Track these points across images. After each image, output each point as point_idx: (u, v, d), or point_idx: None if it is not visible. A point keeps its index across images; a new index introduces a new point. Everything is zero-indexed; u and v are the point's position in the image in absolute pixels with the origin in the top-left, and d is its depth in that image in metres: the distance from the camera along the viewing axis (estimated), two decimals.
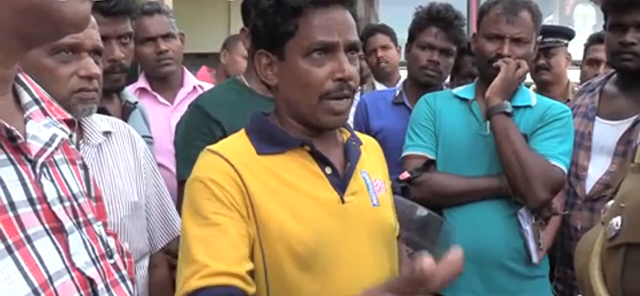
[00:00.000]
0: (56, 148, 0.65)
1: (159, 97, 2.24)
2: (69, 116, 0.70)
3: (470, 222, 1.73)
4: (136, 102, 1.90)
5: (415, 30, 2.14)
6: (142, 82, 2.26)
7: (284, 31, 1.10)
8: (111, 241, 0.73)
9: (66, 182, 0.68)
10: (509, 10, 1.76)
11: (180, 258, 1.05)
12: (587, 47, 2.87)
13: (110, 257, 0.70)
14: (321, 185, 1.13)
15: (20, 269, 0.55)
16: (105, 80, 1.64)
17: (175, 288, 1.37)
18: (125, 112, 1.84)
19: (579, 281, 0.86)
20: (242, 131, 1.19)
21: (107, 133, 1.38)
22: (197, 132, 1.72)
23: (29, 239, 0.57)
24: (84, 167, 0.75)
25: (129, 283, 0.73)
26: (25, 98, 0.65)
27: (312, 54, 1.09)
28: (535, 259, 1.74)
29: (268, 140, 1.14)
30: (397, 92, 2.21)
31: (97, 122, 1.37)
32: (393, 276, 1.20)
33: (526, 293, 1.77)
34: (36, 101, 0.66)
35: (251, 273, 1.04)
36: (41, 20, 0.57)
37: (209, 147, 1.16)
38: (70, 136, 0.71)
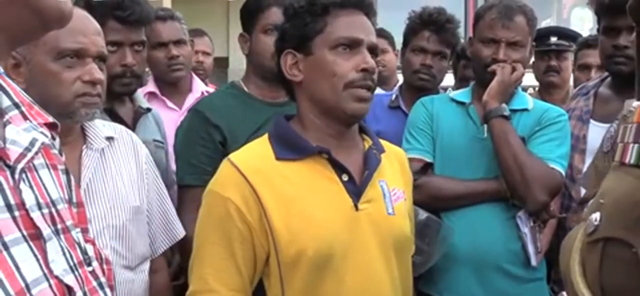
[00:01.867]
0: (36, 153, 0.64)
1: (167, 101, 2.27)
2: (51, 119, 0.70)
3: (468, 225, 1.75)
4: (149, 108, 1.91)
5: (408, 34, 2.16)
6: (151, 87, 2.28)
7: (313, 28, 1.21)
8: (90, 249, 0.72)
9: (45, 188, 0.66)
10: (505, 14, 1.77)
11: (193, 257, 1.20)
12: (576, 53, 2.88)
13: (89, 265, 0.69)
14: (336, 191, 1.19)
15: None
16: (116, 84, 1.67)
17: (176, 293, 1.44)
18: (136, 117, 1.86)
19: (563, 277, 0.87)
20: (266, 136, 1.26)
21: (110, 139, 1.39)
22: (196, 137, 1.73)
23: (5, 246, 0.56)
24: (66, 172, 0.74)
25: (107, 290, 0.72)
26: (5, 102, 0.64)
27: (338, 47, 1.20)
28: (533, 262, 1.75)
29: (287, 147, 1.20)
30: (394, 96, 2.22)
31: (101, 128, 1.39)
32: (404, 284, 1.25)
33: None
34: (16, 105, 0.65)
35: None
36: (23, 13, 0.58)
37: (229, 156, 1.24)
38: (54, 139, 0.71)
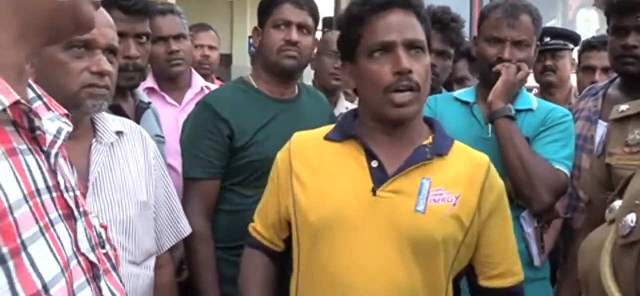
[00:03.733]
0: (64, 141, 0.69)
1: (167, 97, 2.26)
2: (65, 111, 0.73)
3: None
4: (149, 103, 1.92)
5: None
6: (150, 82, 2.28)
7: (353, 39, 1.28)
8: (103, 233, 0.76)
9: (66, 174, 0.71)
10: (510, 14, 1.77)
11: None
12: (580, 54, 2.88)
13: (103, 247, 0.74)
14: (359, 175, 1.25)
15: (51, 250, 0.59)
16: (120, 78, 1.65)
17: (179, 289, 1.58)
18: (139, 112, 1.86)
19: (583, 281, 0.85)
20: None
21: (119, 134, 1.39)
22: (204, 131, 1.74)
23: (52, 224, 0.61)
24: (71, 163, 0.78)
25: (117, 273, 0.76)
26: (30, 94, 0.69)
27: (373, 54, 1.24)
28: (537, 262, 1.75)
29: (337, 130, 1.33)
30: None
31: (110, 122, 1.39)
32: (428, 287, 1.22)
33: None
34: (39, 97, 0.70)
35: (281, 236, 1.39)
36: (65, 19, 0.65)
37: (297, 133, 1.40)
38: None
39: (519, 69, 1.77)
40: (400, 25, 1.23)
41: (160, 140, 1.86)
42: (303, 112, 1.83)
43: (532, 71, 2.60)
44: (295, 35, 1.77)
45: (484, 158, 1.35)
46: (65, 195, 0.66)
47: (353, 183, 1.24)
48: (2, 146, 0.58)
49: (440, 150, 1.28)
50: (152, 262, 1.44)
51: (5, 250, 0.54)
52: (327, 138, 1.32)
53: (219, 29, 3.38)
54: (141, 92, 1.95)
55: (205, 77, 2.71)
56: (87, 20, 0.67)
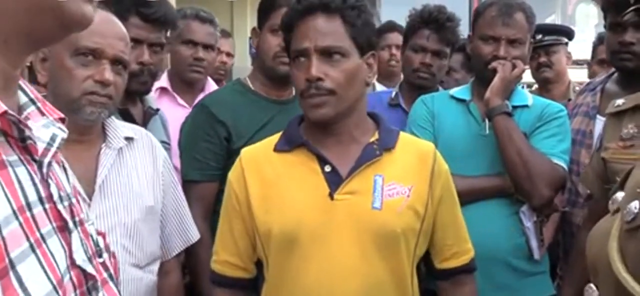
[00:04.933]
0: (58, 148, 0.65)
1: (178, 98, 2.28)
2: (61, 114, 0.71)
3: (472, 221, 1.73)
4: (157, 109, 1.93)
5: (408, 33, 2.17)
6: (164, 82, 2.29)
7: (287, 42, 1.32)
8: (100, 241, 0.74)
9: (61, 182, 0.69)
10: (504, 12, 1.78)
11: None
12: (595, 47, 2.89)
13: (100, 256, 0.72)
14: (314, 181, 1.26)
15: (42, 267, 0.56)
16: (131, 82, 1.66)
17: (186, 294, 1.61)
18: (146, 118, 1.88)
19: (591, 268, 0.89)
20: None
21: (129, 139, 1.42)
22: (201, 132, 1.75)
23: (43, 238, 0.58)
24: (64, 169, 0.75)
25: (115, 282, 0.74)
26: (22, 98, 0.66)
27: (295, 59, 1.29)
28: (537, 256, 1.76)
29: (285, 139, 1.33)
30: (393, 94, 2.23)
31: (121, 128, 1.42)
32: (396, 279, 1.26)
33: (528, 289, 1.79)
34: (32, 101, 0.67)
35: (253, 259, 1.36)
36: (48, 18, 0.59)
37: (245, 147, 1.40)
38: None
39: (514, 66, 1.78)
40: (316, 32, 1.25)
41: (165, 146, 1.88)
42: (300, 112, 1.84)
43: (528, 68, 2.62)
44: None
45: (429, 145, 1.41)
46: (59, 206, 0.63)
47: (310, 191, 1.26)
48: None
49: (388, 144, 1.31)
50: (155, 267, 1.45)
51: None
52: (277, 149, 1.33)
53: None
54: (150, 97, 1.96)
55: (218, 82, 2.75)
56: (77, 19, 0.61)
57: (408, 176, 1.29)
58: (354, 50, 1.26)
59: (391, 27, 3.04)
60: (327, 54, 1.24)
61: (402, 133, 1.38)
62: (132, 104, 1.82)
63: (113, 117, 1.42)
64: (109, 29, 1.30)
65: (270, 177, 1.30)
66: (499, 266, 1.76)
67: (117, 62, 1.31)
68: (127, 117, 1.74)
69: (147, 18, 1.74)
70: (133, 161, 1.41)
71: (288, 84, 1.87)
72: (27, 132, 0.59)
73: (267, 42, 1.79)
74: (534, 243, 1.76)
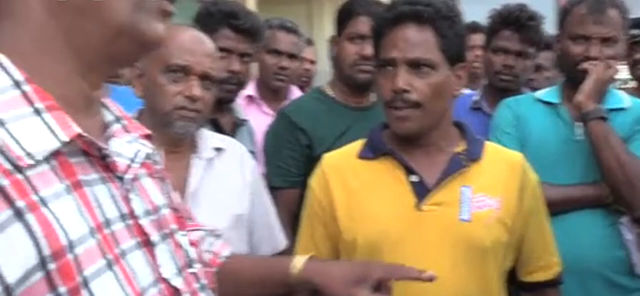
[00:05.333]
0: (140, 164, 0.68)
1: (264, 106, 2.35)
2: (148, 131, 0.74)
3: (568, 233, 1.64)
4: (245, 120, 1.99)
5: (490, 34, 2.10)
6: (251, 90, 2.37)
7: (376, 50, 1.29)
8: (192, 252, 0.76)
9: (150, 195, 0.71)
10: (596, 9, 1.67)
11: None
12: None
13: (191, 267, 0.73)
14: (400, 191, 1.24)
15: (119, 283, 0.58)
16: (219, 90, 1.75)
17: None
18: (235, 128, 1.93)
19: None
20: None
21: (219, 150, 1.47)
22: (283, 140, 1.79)
23: (123, 254, 0.61)
24: (162, 180, 0.78)
25: (209, 292, 0.75)
26: (108, 117, 0.69)
27: (381, 68, 1.26)
28: (639, 271, 1.65)
29: (369, 147, 1.31)
30: (477, 97, 2.17)
31: (211, 139, 1.47)
32: (483, 293, 1.23)
33: None
34: (118, 119, 0.70)
35: None
36: (126, 41, 0.62)
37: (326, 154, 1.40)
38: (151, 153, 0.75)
39: (607, 67, 1.67)
40: (405, 42, 1.21)
41: (253, 156, 1.93)
42: (381, 119, 1.83)
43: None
44: (369, 50, 1.75)
45: (518, 156, 1.36)
46: (142, 221, 0.65)
47: (396, 201, 1.24)
48: (67, 180, 0.57)
49: (475, 155, 1.28)
50: None
51: (63, 289, 0.53)
52: (361, 157, 1.31)
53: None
54: (239, 108, 2.01)
55: (302, 89, 2.80)
56: (152, 39, 0.64)
57: (497, 188, 1.26)
58: (444, 62, 1.23)
59: (474, 28, 2.95)
60: (415, 65, 1.21)
61: (488, 143, 1.35)
62: (222, 114, 1.88)
63: (203, 129, 1.47)
64: (197, 47, 1.36)
65: (355, 185, 1.29)
66: (596, 281, 1.66)
67: (206, 78, 1.36)
68: (217, 127, 1.80)
69: (237, 29, 1.80)
70: (222, 171, 1.45)
71: (367, 91, 1.87)
72: (107, 151, 0.62)
73: (345, 50, 1.80)
74: (636, 257, 1.65)
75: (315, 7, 7.37)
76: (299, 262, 1.02)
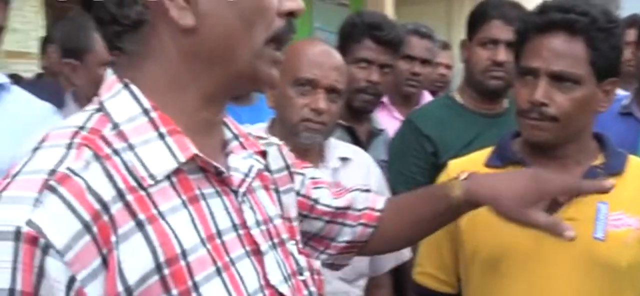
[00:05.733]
0: (253, 178, 0.75)
1: (394, 111, 2.37)
2: (262, 148, 0.81)
3: None
4: (381, 130, 2.02)
5: None
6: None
7: (517, 54, 1.22)
8: (302, 260, 0.81)
9: (264, 206, 0.78)
10: None
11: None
12: None
13: (301, 274, 0.78)
14: None
15: (226, 288, 0.65)
16: (357, 99, 1.83)
17: None
18: (370, 137, 1.96)
19: None
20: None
21: (345, 159, 1.53)
22: (408, 147, 1.79)
23: (232, 262, 0.67)
24: (276, 191, 0.85)
25: None
26: (227, 134, 0.77)
27: (521, 75, 1.19)
28: None
29: (497, 154, 1.27)
30: (626, 101, 1.97)
31: (337, 149, 1.53)
32: None
33: None
34: (235, 136, 0.78)
35: (457, 274, 1.31)
36: (245, 81, 0.72)
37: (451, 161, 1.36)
38: (266, 167, 0.83)
39: None
40: (551, 52, 1.13)
41: (386, 165, 1.94)
42: (512, 127, 1.76)
43: None
44: (502, 55, 1.71)
45: None
46: (253, 231, 0.72)
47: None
48: (185, 195, 0.66)
49: (614, 169, 1.17)
50: (362, 282, 1.52)
51: (175, 291, 0.60)
52: (487, 164, 1.26)
53: (436, 32, 3.39)
54: (376, 118, 2.04)
55: (434, 93, 2.77)
56: (267, 81, 0.73)
57: (638, 205, 1.16)
58: (591, 77, 1.14)
59: (632, 21, 2.68)
60: (558, 78, 1.13)
61: (632, 157, 1.23)
62: (358, 123, 1.92)
63: (332, 138, 1.53)
64: (325, 61, 1.42)
65: None
66: None
67: (332, 91, 1.41)
68: (352, 135, 1.86)
69: (379, 40, 1.84)
70: (347, 180, 1.49)
71: (499, 98, 1.80)
72: (221, 168, 0.70)
73: (476, 55, 1.76)
74: None
75: (455, 6, 7.19)
76: (457, 184, 0.98)
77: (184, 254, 0.63)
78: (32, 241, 0.54)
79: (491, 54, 1.73)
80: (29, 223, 0.54)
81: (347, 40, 1.89)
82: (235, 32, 0.67)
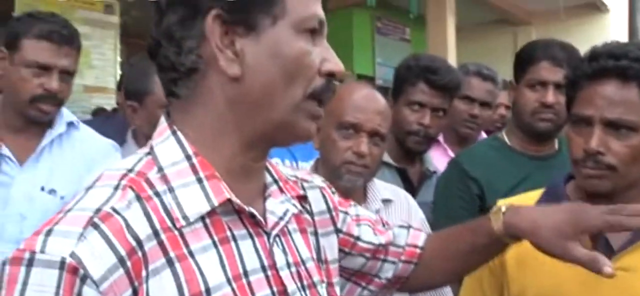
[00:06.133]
0: (287, 222, 0.78)
1: (449, 150, 2.32)
2: (302, 192, 0.85)
3: None
4: (434, 172, 1.99)
5: None
6: None
7: (569, 99, 1.20)
8: None
9: (297, 249, 0.81)
10: None
11: None
12: None
13: None
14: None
15: None
16: (409, 140, 1.83)
17: None
18: (421, 179, 1.92)
19: None
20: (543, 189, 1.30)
21: (386, 201, 1.53)
22: (454, 188, 1.76)
23: None
24: (315, 233, 0.89)
25: None
26: (268, 179, 0.82)
27: (575, 122, 1.17)
28: None
29: (547, 197, 1.23)
30: None
31: (380, 190, 1.54)
32: None
33: None
34: (275, 181, 0.82)
35: None
36: (284, 133, 0.76)
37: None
38: (302, 210, 0.86)
39: None
40: (604, 100, 1.10)
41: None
42: (563, 169, 1.71)
43: None
44: (551, 97, 1.67)
45: None
46: (281, 273, 0.75)
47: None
48: (216, 236, 0.70)
49: None
50: None
51: None
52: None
53: (503, 61, 3.31)
54: (430, 158, 2.00)
55: (490, 133, 2.66)
56: (304, 133, 0.76)
57: None
58: None
59: None
60: (613, 126, 1.10)
61: None
62: (410, 164, 1.92)
63: (374, 180, 1.55)
64: (369, 105, 1.44)
65: None
66: None
67: (375, 135, 1.43)
68: (404, 176, 1.86)
69: (433, 84, 1.83)
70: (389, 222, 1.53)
71: (548, 140, 1.77)
72: (254, 212, 0.74)
73: (524, 97, 1.73)
74: None
75: (521, 37, 7.05)
76: (496, 217, 0.96)
77: (208, 291, 0.67)
78: (73, 271, 0.60)
79: (540, 96, 1.70)
80: (72, 255, 0.61)
81: (402, 82, 1.91)
82: (275, 84, 0.72)
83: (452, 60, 5.97)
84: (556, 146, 1.79)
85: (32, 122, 1.61)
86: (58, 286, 0.60)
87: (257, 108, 0.73)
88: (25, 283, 0.60)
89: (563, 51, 1.70)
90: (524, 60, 1.76)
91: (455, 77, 1.89)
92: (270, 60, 0.71)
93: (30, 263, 0.61)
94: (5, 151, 1.57)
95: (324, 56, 0.76)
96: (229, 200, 0.71)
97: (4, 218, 1.52)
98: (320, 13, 0.76)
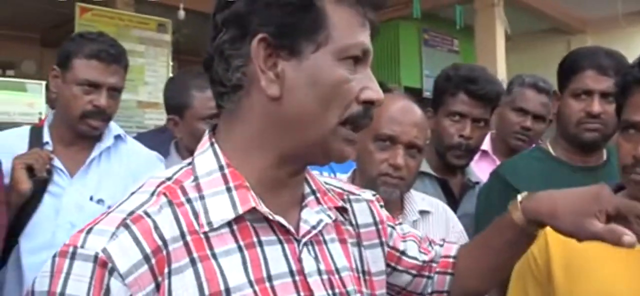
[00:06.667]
0: (322, 231, 0.82)
1: (497, 162, 2.28)
2: (340, 204, 0.87)
3: None
4: (476, 183, 1.97)
5: None
6: (485, 144, 2.30)
7: (619, 106, 1.20)
8: None
9: (331, 258, 0.83)
10: None
11: None
12: None
13: None
14: (630, 257, 1.08)
15: None
16: (451, 155, 1.82)
17: None
18: (464, 190, 1.92)
19: None
20: None
21: (424, 213, 1.53)
22: (496, 200, 1.71)
23: None
24: (358, 245, 0.91)
25: None
26: (306, 189, 0.85)
27: (624, 129, 1.16)
28: None
29: None
30: None
31: (418, 202, 1.54)
32: None
33: None
34: (313, 192, 0.86)
35: None
36: (318, 151, 0.79)
37: None
38: (344, 221, 0.89)
39: None
40: None
41: None
42: (611, 179, 1.65)
43: None
44: (597, 107, 1.62)
45: None
46: (310, 279, 0.78)
47: (623, 264, 1.11)
48: (242, 241, 0.75)
49: None
50: None
51: None
52: None
53: (553, 76, 3.22)
54: (472, 170, 1.99)
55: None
56: (337, 156, 0.79)
57: None
58: None
59: None
60: None
61: None
62: (452, 175, 1.90)
63: (412, 191, 1.55)
64: (405, 117, 1.44)
65: (578, 246, 1.21)
66: None
67: (411, 147, 1.43)
68: (445, 187, 1.84)
69: (473, 95, 1.81)
70: (426, 233, 1.51)
71: (596, 150, 1.70)
72: (283, 221, 0.77)
73: (569, 107, 1.68)
74: None
75: (575, 46, 6.83)
76: (516, 205, 0.98)
77: (228, 291, 0.71)
78: (103, 265, 0.67)
79: (585, 105, 1.65)
80: (104, 250, 0.68)
81: (441, 93, 1.89)
82: (311, 109, 0.76)
83: (502, 70, 5.85)
84: (604, 156, 1.73)
85: (82, 136, 1.69)
86: (92, 277, 0.67)
87: (292, 128, 0.77)
88: (68, 273, 0.68)
89: (609, 59, 1.64)
90: (568, 69, 1.71)
91: (496, 87, 1.86)
92: (309, 84, 0.75)
93: (72, 256, 0.68)
94: (57, 163, 1.66)
95: (365, 84, 0.78)
96: (253, 210, 0.75)
97: (55, 227, 1.60)
98: (366, 43, 0.79)
